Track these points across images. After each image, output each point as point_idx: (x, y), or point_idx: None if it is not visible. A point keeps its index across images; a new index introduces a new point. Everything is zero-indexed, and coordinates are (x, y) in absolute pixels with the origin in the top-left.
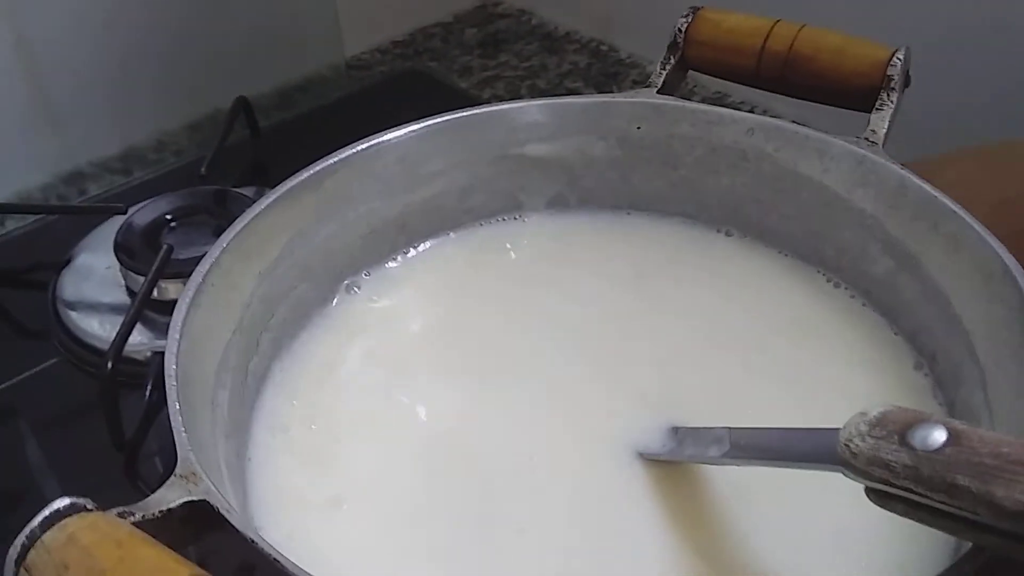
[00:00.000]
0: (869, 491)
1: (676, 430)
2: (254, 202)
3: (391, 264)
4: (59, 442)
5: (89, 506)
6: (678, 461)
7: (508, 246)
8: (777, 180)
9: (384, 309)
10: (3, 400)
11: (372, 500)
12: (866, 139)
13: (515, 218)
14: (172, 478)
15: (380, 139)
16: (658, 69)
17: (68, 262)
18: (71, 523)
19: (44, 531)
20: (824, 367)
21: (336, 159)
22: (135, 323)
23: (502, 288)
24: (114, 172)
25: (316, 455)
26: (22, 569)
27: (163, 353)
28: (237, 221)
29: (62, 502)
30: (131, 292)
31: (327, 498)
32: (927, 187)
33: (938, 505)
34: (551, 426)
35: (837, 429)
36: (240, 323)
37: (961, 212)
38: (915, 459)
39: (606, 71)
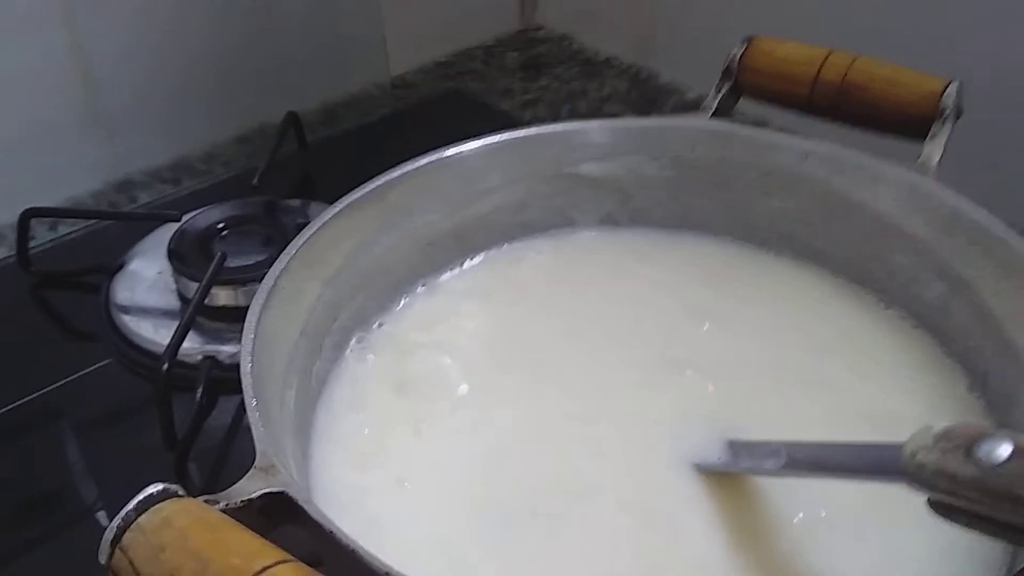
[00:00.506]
0: (932, 503)
1: (732, 444)
2: (301, 212)
3: (447, 275)
4: (108, 442)
5: (180, 492)
6: (734, 473)
7: (560, 260)
8: (829, 204)
9: (440, 318)
10: (55, 400)
11: (432, 493)
12: (920, 167)
13: (568, 234)
14: (252, 470)
15: (442, 154)
16: (712, 93)
17: (121, 267)
18: (165, 507)
19: (139, 514)
20: (875, 386)
21: (400, 172)
22: (189, 327)
23: (556, 299)
24: (164, 181)
25: (372, 453)
26: (118, 550)
27: (214, 358)
28: (306, 229)
29: (156, 487)
30: (183, 297)
31: (386, 492)
32: (980, 214)
33: (1002, 517)
34: (608, 434)
35: (898, 443)
36: (305, 327)
37: (1012, 238)
38: (981, 471)
39: (646, 96)
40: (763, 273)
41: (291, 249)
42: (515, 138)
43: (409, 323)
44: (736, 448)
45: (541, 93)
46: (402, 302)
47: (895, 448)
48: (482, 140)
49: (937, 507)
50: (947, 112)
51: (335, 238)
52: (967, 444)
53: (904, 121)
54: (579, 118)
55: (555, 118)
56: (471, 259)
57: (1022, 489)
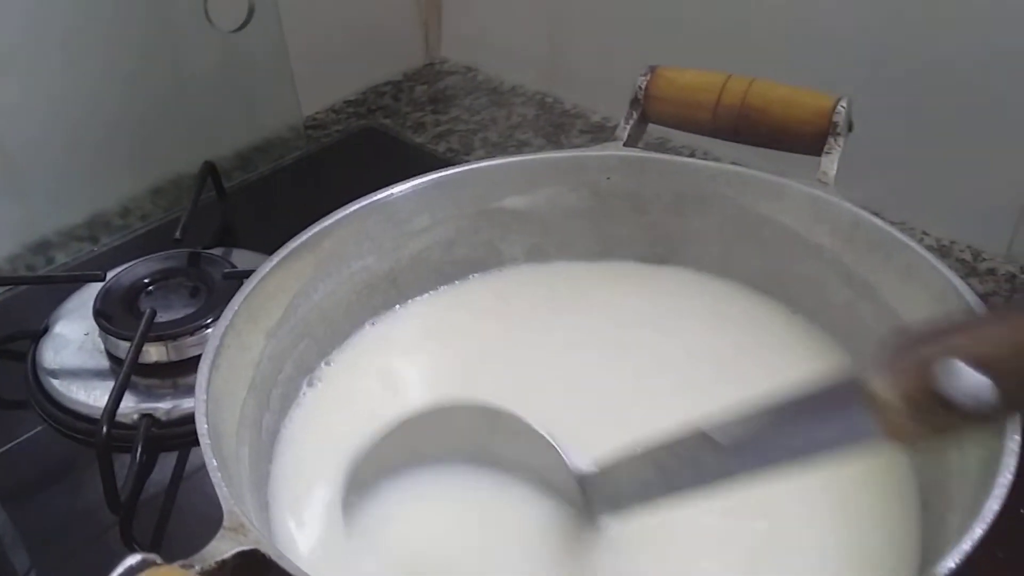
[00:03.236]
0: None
1: (588, 474)
2: (225, 261)
3: (384, 317)
4: (46, 510)
5: (158, 561)
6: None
7: (492, 295)
8: (739, 220)
9: (380, 361)
10: None
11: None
12: (819, 180)
13: (497, 269)
14: (221, 531)
15: (372, 199)
16: (622, 123)
17: (46, 331)
18: None
19: None
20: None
21: (332, 220)
22: (125, 387)
23: (490, 334)
24: (81, 239)
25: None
26: None
27: (151, 415)
28: (246, 283)
29: (134, 558)
30: (112, 357)
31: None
32: (879, 222)
33: None
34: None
35: (856, 414)
36: (252, 381)
37: (912, 243)
38: (991, 406)
39: (553, 122)
40: (685, 292)
41: (234, 304)
42: (440, 178)
43: (350, 370)
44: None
45: (452, 124)
46: (342, 348)
47: (864, 418)
48: (409, 182)
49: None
50: (839, 127)
51: (275, 290)
52: (939, 395)
53: (801, 138)
54: (491, 147)
55: (468, 149)
56: (407, 301)
57: None
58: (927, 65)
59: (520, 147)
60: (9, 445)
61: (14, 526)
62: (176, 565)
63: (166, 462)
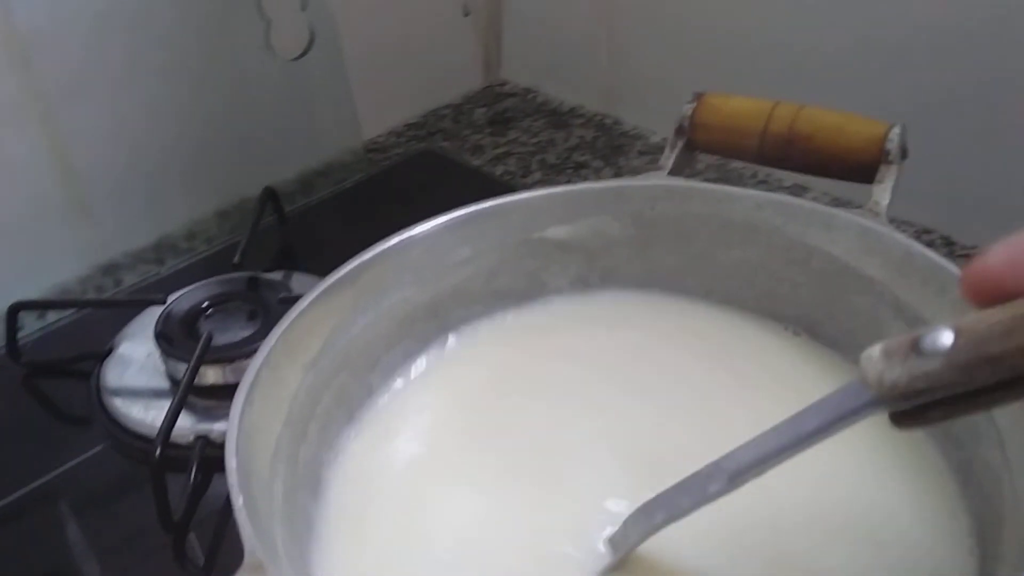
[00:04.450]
0: (898, 417)
1: (643, 507)
2: (283, 285)
3: (426, 349)
4: (105, 526)
5: None
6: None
7: (536, 327)
8: (788, 251)
9: (421, 395)
10: (53, 488)
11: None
12: (870, 210)
13: (542, 299)
14: (240, 570)
15: (410, 233)
16: (667, 152)
17: (110, 351)
18: None
19: None
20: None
21: (370, 254)
22: (180, 409)
23: (536, 370)
24: (148, 262)
25: (363, 536)
26: None
27: (206, 437)
28: (283, 319)
29: None
30: (172, 378)
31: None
32: (932, 255)
33: (987, 380)
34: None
35: (850, 383)
36: (289, 415)
37: None
38: (946, 356)
39: (612, 143)
40: (726, 331)
41: (270, 339)
42: (479, 210)
43: (390, 403)
44: (652, 507)
45: (510, 147)
46: (382, 379)
47: (855, 386)
48: (448, 215)
49: (904, 418)
50: (892, 155)
51: (312, 324)
52: (913, 348)
53: (852, 166)
54: (548, 169)
55: (525, 171)
56: (450, 332)
57: (993, 346)
58: (985, 84)
59: (578, 169)
60: (74, 461)
61: (82, 541)
62: None
63: (220, 482)
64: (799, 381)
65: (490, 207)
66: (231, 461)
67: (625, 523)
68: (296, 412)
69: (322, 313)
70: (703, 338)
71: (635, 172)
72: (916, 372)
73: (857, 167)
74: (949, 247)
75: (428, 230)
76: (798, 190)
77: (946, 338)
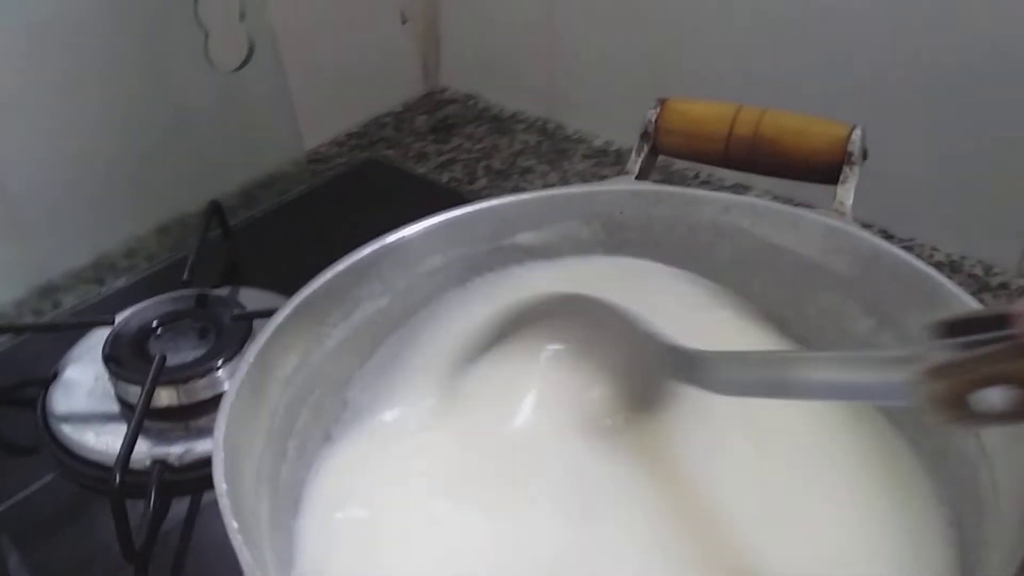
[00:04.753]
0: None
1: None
2: (233, 301)
3: (399, 360)
4: (61, 557)
5: None
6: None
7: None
8: (755, 251)
9: (393, 407)
10: (1, 521)
11: None
12: (835, 209)
13: None
14: None
15: (384, 241)
16: (634, 156)
17: (55, 376)
18: None
19: None
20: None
21: (342, 266)
22: (137, 434)
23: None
24: (87, 281)
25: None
26: None
27: (163, 461)
28: (260, 333)
29: None
30: (122, 401)
31: None
32: (899, 251)
33: None
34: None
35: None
36: (270, 433)
37: (933, 272)
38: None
39: (556, 147)
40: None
41: (249, 356)
42: (452, 218)
43: (366, 419)
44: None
45: (455, 153)
46: (357, 394)
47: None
48: (421, 223)
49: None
50: (854, 156)
51: (290, 339)
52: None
53: (815, 167)
54: (494, 175)
55: (471, 178)
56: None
57: None
58: (932, 83)
59: (524, 174)
60: (22, 493)
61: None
62: None
63: (179, 508)
64: None
65: (460, 215)
66: (220, 484)
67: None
68: (276, 430)
69: (297, 328)
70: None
71: (581, 175)
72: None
73: (821, 168)
74: (888, 239)
75: (398, 240)
76: (740, 189)
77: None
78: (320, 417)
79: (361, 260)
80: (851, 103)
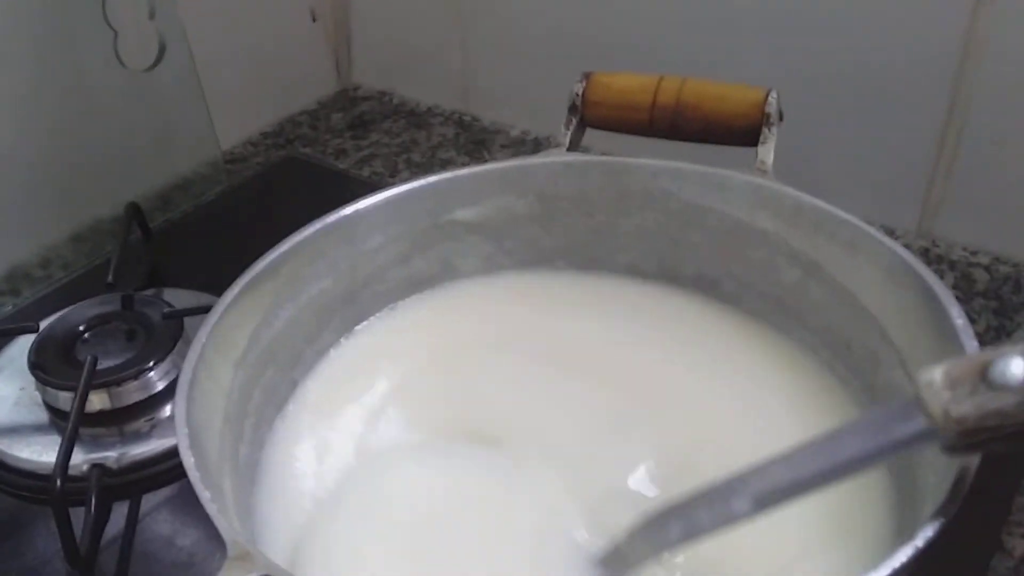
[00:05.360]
0: (954, 448)
1: (650, 519)
2: (160, 301)
3: (345, 340)
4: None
5: None
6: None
7: (450, 310)
8: (684, 214)
9: (343, 386)
10: None
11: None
12: (758, 169)
13: (454, 281)
14: (226, 563)
15: (325, 221)
16: (563, 129)
17: None
18: None
19: None
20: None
21: (287, 246)
22: (74, 440)
23: (452, 353)
24: (1, 294)
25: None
26: None
27: (102, 465)
28: (210, 315)
29: None
30: (52, 409)
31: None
32: (820, 203)
33: None
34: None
35: (902, 406)
36: (227, 412)
37: (854, 220)
38: (1022, 391)
39: (474, 139)
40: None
41: (201, 336)
42: (392, 195)
43: (316, 395)
44: (666, 519)
45: (374, 148)
46: (305, 372)
47: (908, 409)
48: (361, 202)
49: (961, 449)
50: (772, 117)
51: (239, 319)
52: (982, 377)
53: (736, 131)
54: (415, 168)
55: (393, 171)
56: (366, 320)
57: None
58: (831, 58)
59: (444, 166)
60: None
61: None
62: None
63: (120, 511)
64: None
65: (399, 192)
66: (188, 457)
67: (631, 534)
68: (232, 410)
69: (246, 308)
70: (611, 308)
71: None
72: (987, 409)
73: (742, 131)
74: None
75: (339, 219)
76: None
77: (1018, 368)
78: (272, 398)
79: (303, 241)
80: (765, 76)
